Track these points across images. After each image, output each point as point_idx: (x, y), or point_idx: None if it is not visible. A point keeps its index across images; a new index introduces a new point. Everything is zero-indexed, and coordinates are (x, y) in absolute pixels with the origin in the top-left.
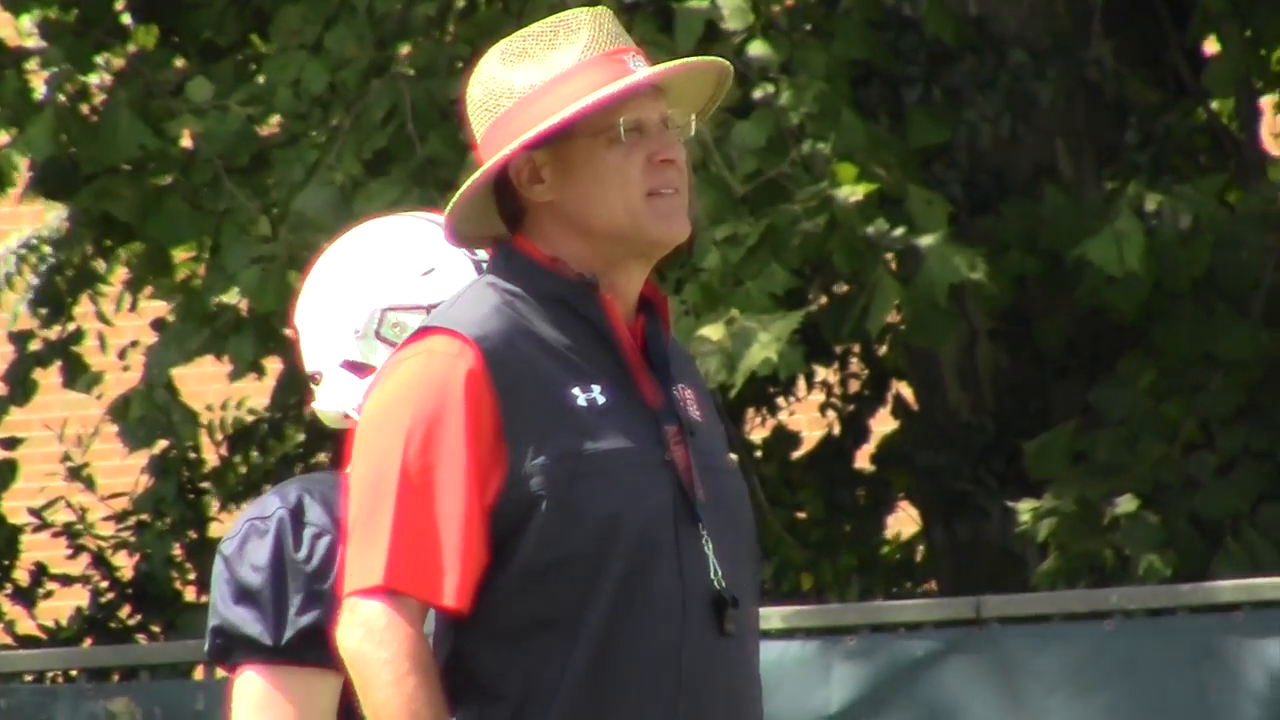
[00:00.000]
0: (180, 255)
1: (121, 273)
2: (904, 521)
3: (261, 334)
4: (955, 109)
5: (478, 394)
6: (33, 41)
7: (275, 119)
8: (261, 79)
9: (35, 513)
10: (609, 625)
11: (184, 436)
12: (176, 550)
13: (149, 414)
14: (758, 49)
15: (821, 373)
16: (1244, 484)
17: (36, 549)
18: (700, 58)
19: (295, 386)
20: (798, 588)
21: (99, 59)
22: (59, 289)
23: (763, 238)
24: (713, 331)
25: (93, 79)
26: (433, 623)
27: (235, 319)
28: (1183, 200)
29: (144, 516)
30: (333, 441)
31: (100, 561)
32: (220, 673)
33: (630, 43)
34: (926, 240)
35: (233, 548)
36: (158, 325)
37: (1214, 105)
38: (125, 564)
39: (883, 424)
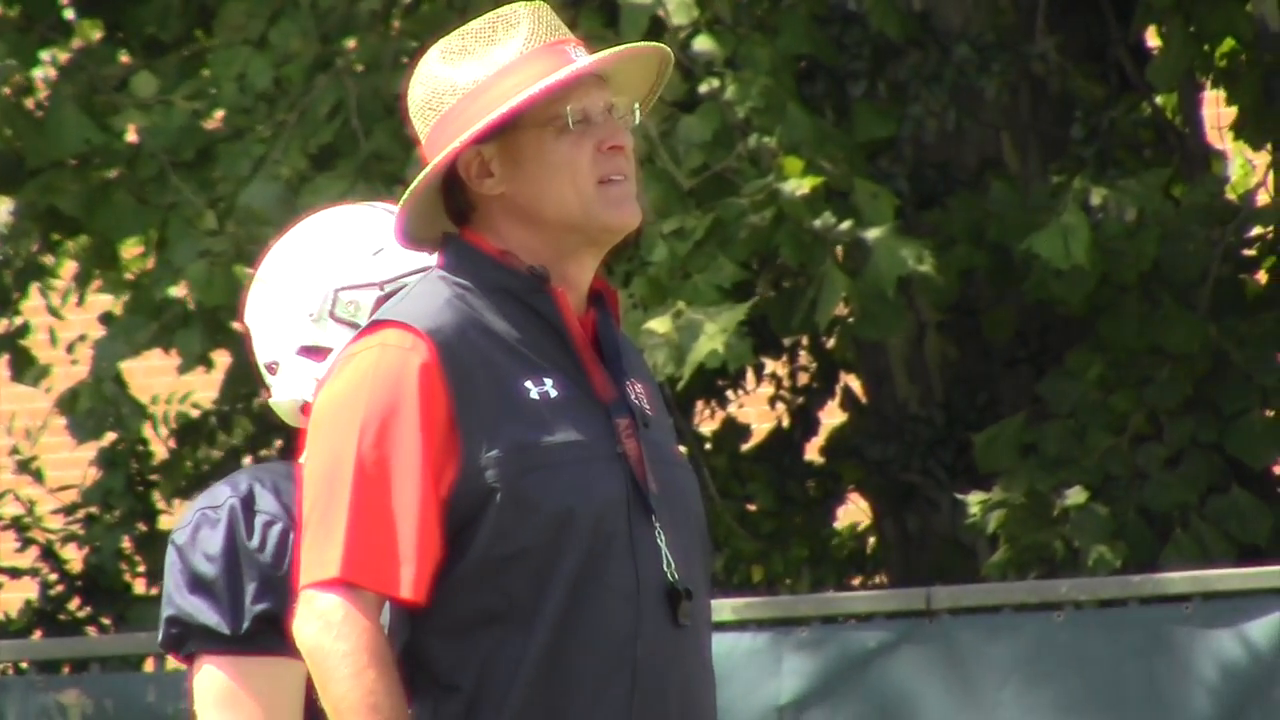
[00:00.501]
0: (129, 251)
1: (70, 266)
2: (854, 513)
3: (209, 327)
4: (900, 103)
5: (431, 387)
6: None
7: (220, 114)
8: (206, 74)
9: None
10: (563, 617)
11: (132, 429)
12: (126, 542)
13: (97, 406)
14: (703, 44)
15: (770, 365)
16: (1192, 475)
17: None
18: (641, 43)
19: (244, 379)
20: (749, 580)
21: (44, 54)
22: (5, 282)
23: (710, 231)
24: (660, 324)
25: (37, 73)
26: (387, 614)
27: (183, 312)
28: (1128, 194)
29: (93, 509)
30: (281, 434)
31: (49, 554)
32: (171, 664)
33: (569, 34)
34: (873, 233)
35: (185, 537)
36: (105, 319)
37: (1158, 99)
38: (74, 556)
39: (832, 416)
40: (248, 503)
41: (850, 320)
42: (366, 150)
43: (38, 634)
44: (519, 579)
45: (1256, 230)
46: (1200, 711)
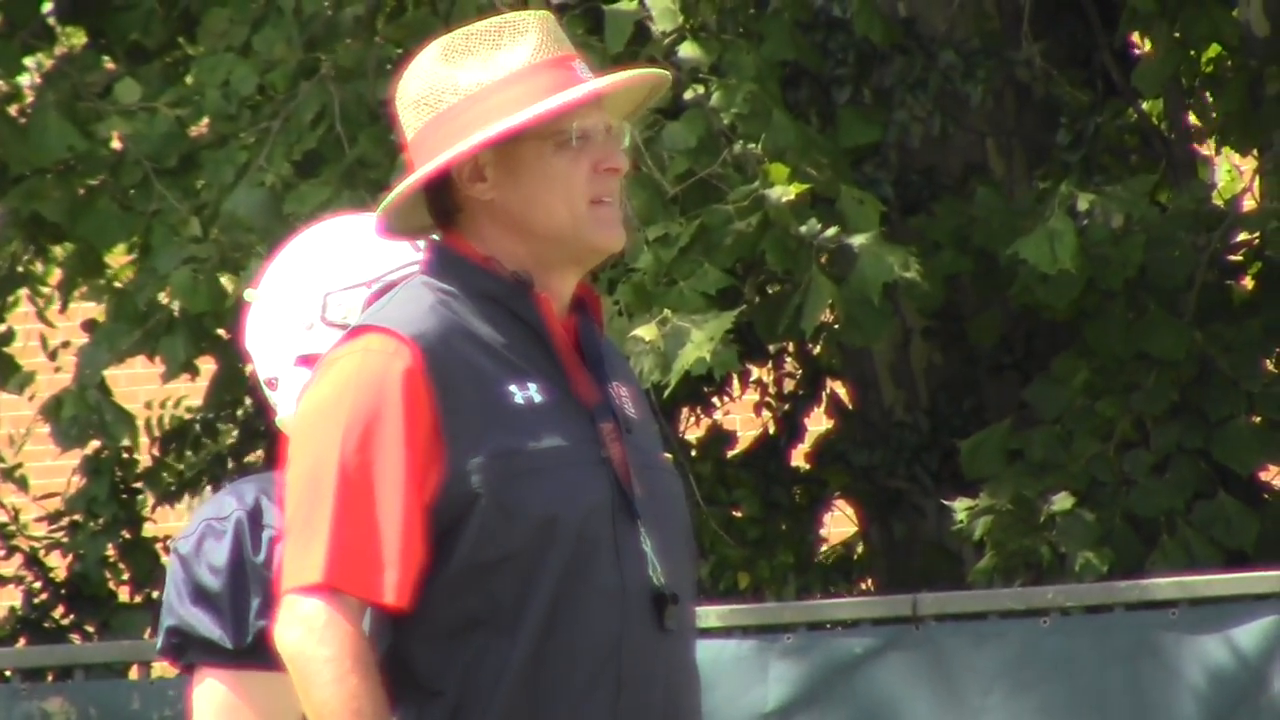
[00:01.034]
0: (118, 259)
1: (55, 274)
2: (840, 520)
3: (193, 334)
4: (885, 109)
5: (415, 392)
6: None
7: (204, 120)
8: (190, 81)
9: None
10: (548, 623)
11: (116, 436)
12: (110, 550)
13: (81, 414)
14: (688, 50)
15: (756, 372)
16: (1179, 481)
17: None
18: (649, 70)
19: (228, 386)
20: (735, 586)
21: (28, 61)
22: None
23: (695, 238)
24: (646, 331)
25: (22, 80)
26: (369, 620)
27: (167, 319)
28: (1114, 200)
29: (77, 516)
30: (266, 440)
31: (34, 562)
32: (156, 671)
33: (573, 50)
34: (859, 239)
35: (189, 547)
36: (89, 326)
37: (1144, 105)
38: (59, 564)
39: (818, 423)
40: (255, 516)
41: (836, 326)
42: (351, 157)
43: (22, 641)
44: (503, 584)
45: (1242, 236)
46: (1187, 717)
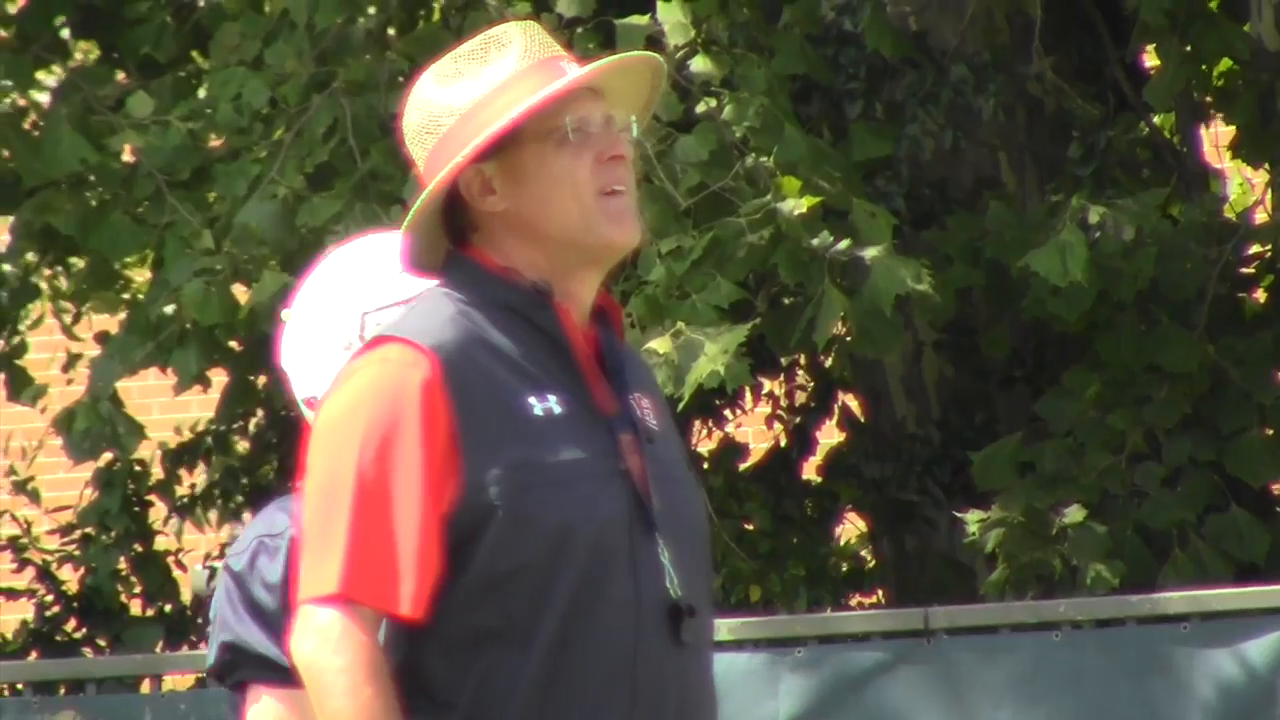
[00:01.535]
0: (137, 272)
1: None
2: (852, 533)
3: (205, 347)
4: (897, 123)
5: (433, 403)
6: None
7: (217, 134)
8: (202, 94)
9: None
10: (563, 635)
11: (129, 448)
12: (122, 563)
13: (94, 426)
14: (699, 64)
15: (768, 384)
16: (1190, 494)
17: None
18: (634, 53)
19: (240, 399)
20: (746, 599)
21: (41, 74)
22: (1, 302)
23: (707, 250)
24: (660, 344)
25: (34, 94)
26: (384, 630)
27: (179, 332)
28: (1125, 213)
29: (89, 529)
30: (278, 453)
31: (46, 575)
32: (168, 685)
33: (562, 50)
34: (871, 252)
35: (242, 564)
36: (102, 338)
37: (1155, 119)
38: (71, 577)
39: (829, 435)
40: None
41: (848, 339)
42: (363, 170)
43: (34, 655)
44: (518, 596)
45: (1254, 249)
46: None
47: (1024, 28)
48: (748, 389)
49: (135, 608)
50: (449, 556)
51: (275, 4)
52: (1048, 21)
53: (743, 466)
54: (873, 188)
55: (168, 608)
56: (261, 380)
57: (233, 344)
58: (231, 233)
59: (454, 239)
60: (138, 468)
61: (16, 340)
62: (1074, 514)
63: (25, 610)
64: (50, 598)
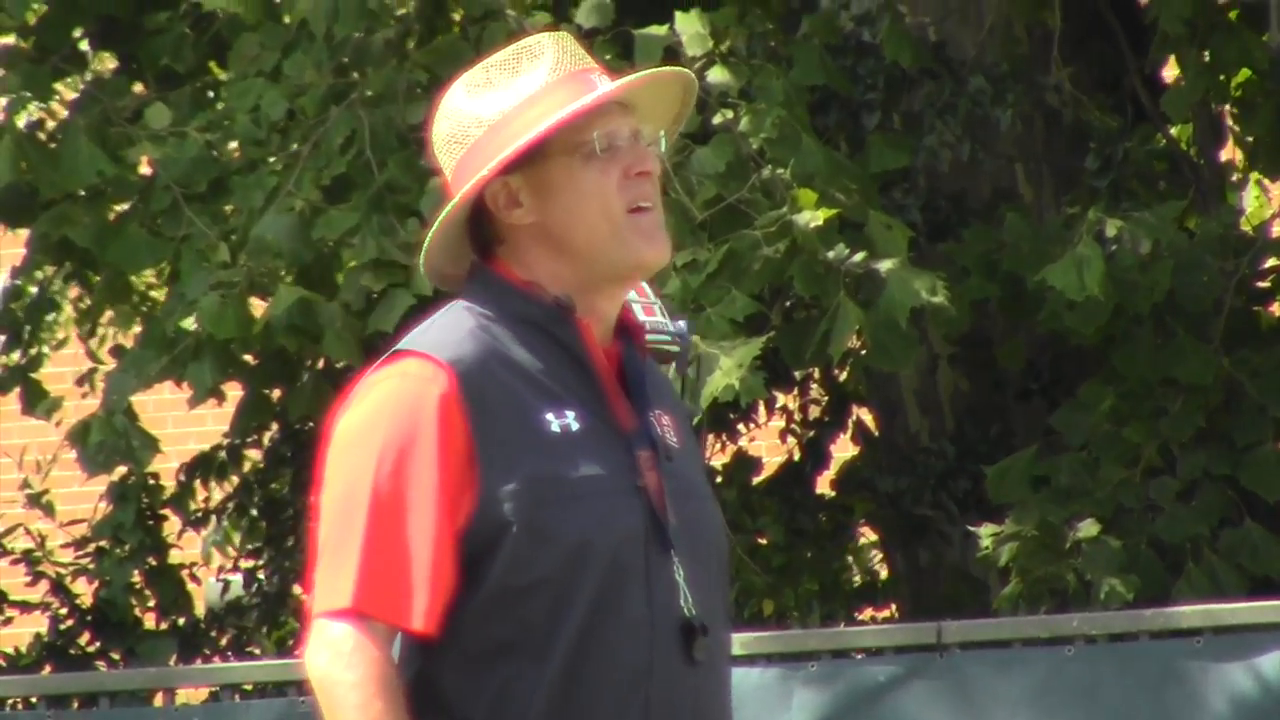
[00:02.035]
0: (145, 283)
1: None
2: (865, 547)
3: (220, 360)
4: (914, 134)
5: (450, 417)
6: None
7: (234, 145)
8: (220, 105)
9: None
10: (577, 650)
11: (143, 462)
12: (136, 577)
13: (108, 439)
14: (716, 75)
15: (781, 398)
16: (1205, 508)
17: None
18: (665, 68)
19: (255, 413)
20: (759, 613)
21: (59, 85)
22: (16, 315)
23: (723, 263)
24: None
25: (52, 105)
26: (400, 644)
27: (194, 345)
28: (1142, 225)
29: (103, 543)
30: (294, 465)
31: (60, 588)
32: (181, 698)
33: (593, 62)
34: (887, 265)
35: None
36: (116, 351)
37: (1173, 130)
38: (85, 590)
39: (843, 449)
40: None
41: (863, 352)
42: (380, 181)
43: (48, 668)
44: (533, 611)
45: (1271, 262)
46: None
47: (1043, 38)
48: (761, 402)
49: (149, 621)
50: (465, 571)
51: (294, 15)
52: (1067, 32)
53: (756, 480)
54: (889, 199)
55: (181, 621)
56: (276, 394)
57: (248, 358)
58: (248, 246)
59: (479, 250)
60: (152, 481)
61: (33, 353)
62: (1088, 528)
63: (39, 623)
64: (64, 611)
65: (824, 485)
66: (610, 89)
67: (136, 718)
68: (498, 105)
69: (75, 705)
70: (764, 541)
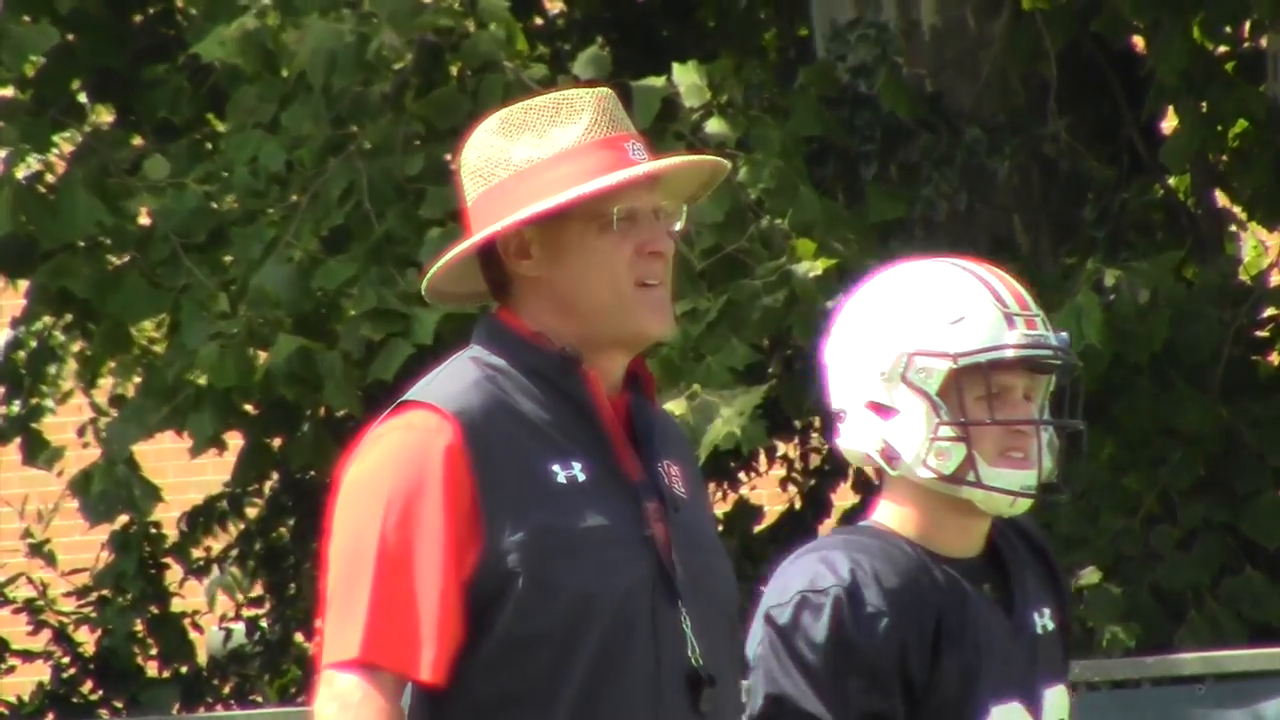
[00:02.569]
0: (146, 334)
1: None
2: None
3: (221, 410)
4: (912, 184)
5: (455, 469)
6: None
7: (232, 196)
8: (218, 157)
9: None
10: (582, 701)
11: (145, 511)
12: (138, 625)
13: (109, 489)
14: (715, 126)
15: (782, 447)
16: (1205, 556)
17: None
18: (700, 157)
19: (256, 462)
20: None
21: (57, 137)
22: (17, 366)
23: (722, 312)
24: (675, 406)
25: (50, 156)
26: (410, 695)
27: (195, 395)
28: (1140, 275)
29: (105, 592)
30: (294, 514)
31: (62, 637)
32: None
33: (631, 128)
34: None
35: (786, 619)
36: (117, 401)
37: (1170, 181)
38: (87, 639)
39: (844, 498)
40: (853, 594)
41: None
42: (379, 233)
43: (50, 717)
44: (539, 662)
45: (1269, 311)
46: None
47: (1040, 89)
48: (762, 451)
49: (151, 669)
50: (471, 622)
51: (292, 67)
52: (1063, 83)
53: (757, 529)
54: (887, 249)
55: (184, 669)
56: (277, 443)
57: (248, 407)
58: (247, 296)
59: (492, 289)
60: (154, 530)
61: (34, 404)
62: (1089, 575)
63: (42, 672)
64: (67, 660)
65: (825, 533)
66: (638, 172)
67: None
68: (528, 153)
69: None
70: (764, 589)
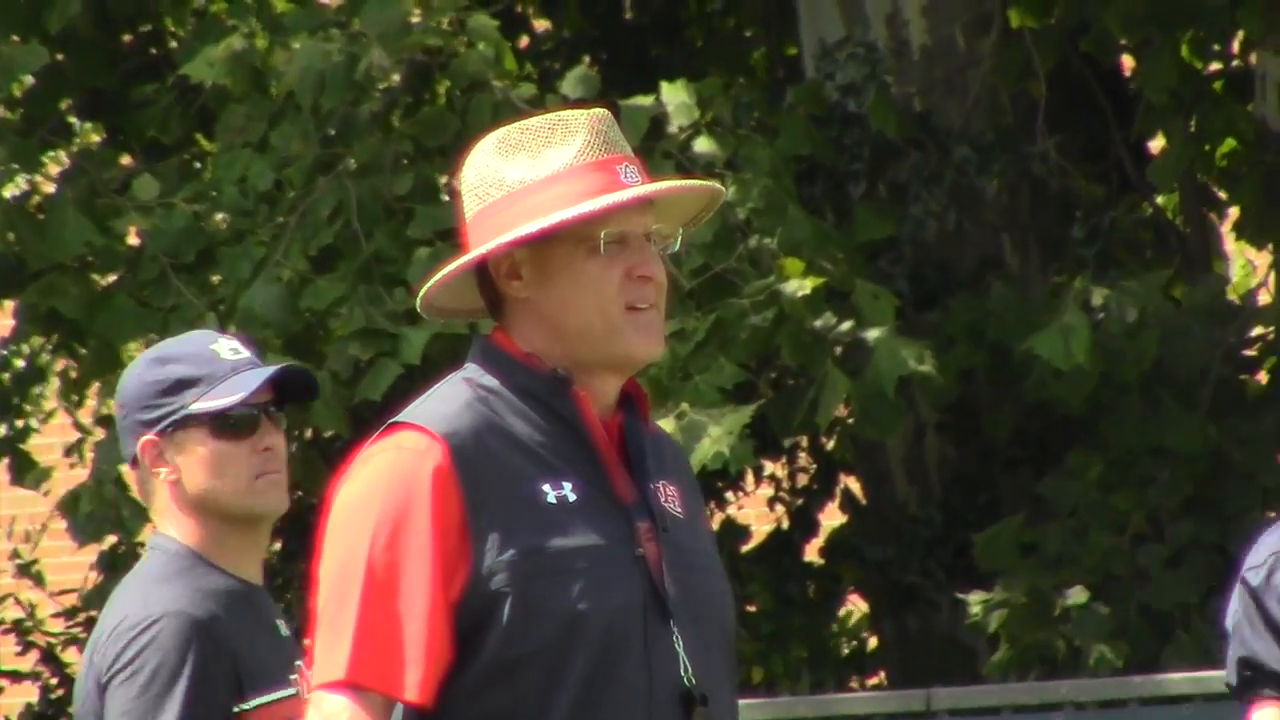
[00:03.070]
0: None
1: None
2: (854, 614)
3: None
4: (900, 203)
5: (444, 490)
6: None
7: (221, 216)
8: (207, 176)
9: None
10: None
11: (133, 531)
12: None
13: (98, 509)
14: (703, 145)
15: (770, 466)
16: (1193, 576)
17: None
18: (693, 181)
19: None
20: (748, 680)
21: (46, 157)
22: (4, 385)
23: (711, 332)
24: (664, 425)
25: (40, 177)
26: (399, 716)
27: None
28: (1128, 294)
29: (94, 612)
30: (283, 534)
31: (50, 658)
32: None
33: (627, 150)
34: (874, 333)
35: (1259, 579)
36: (105, 421)
37: (1159, 200)
38: (76, 660)
39: (831, 517)
40: None
41: (850, 421)
42: (367, 252)
43: None
44: (528, 683)
45: (1257, 330)
46: None
47: (1028, 109)
48: (750, 470)
49: None
50: (460, 643)
51: (280, 87)
52: (1052, 102)
53: (745, 548)
54: (876, 269)
55: None
56: None
57: None
58: (236, 315)
59: (489, 307)
60: (142, 551)
61: (20, 425)
62: (1077, 595)
63: (30, 693)
64: (55, 681)
65: (812, 553)
66: (623, 197)
67: None
68: (520, 173)
69: None
70: (753, 609)
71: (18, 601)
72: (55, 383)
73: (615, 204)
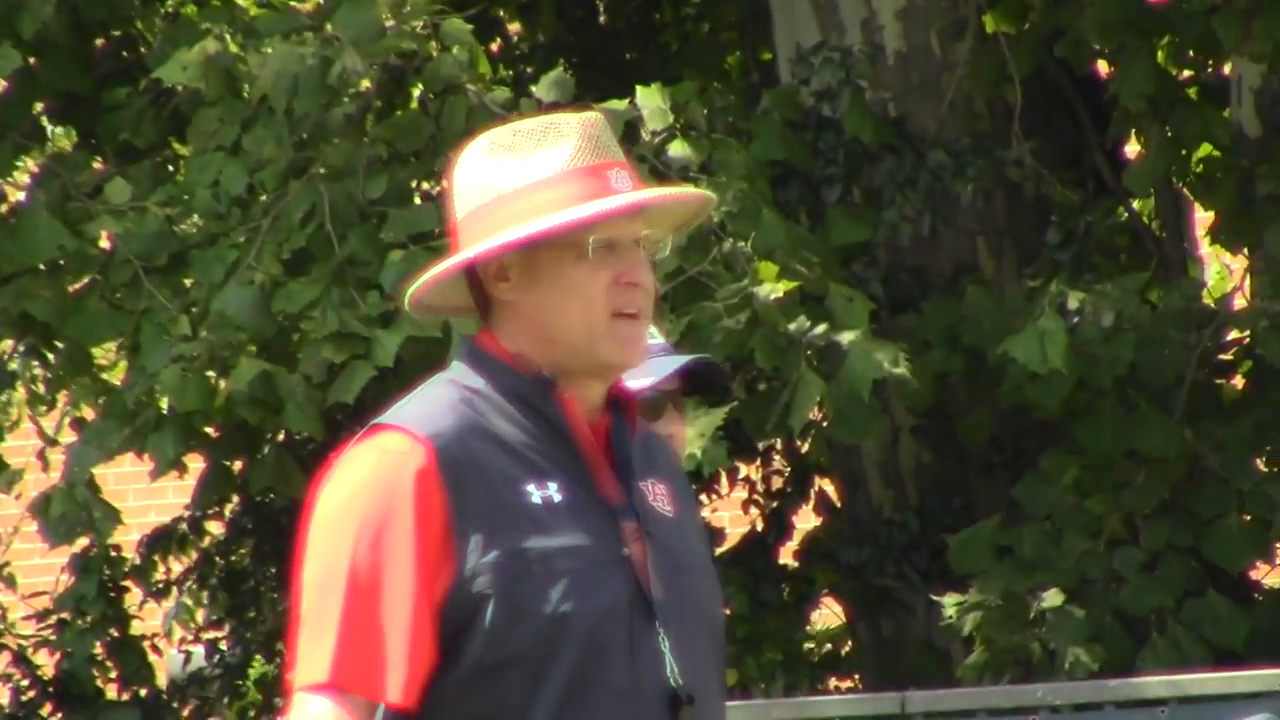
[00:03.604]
0: (109, 357)
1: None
2: (829, 618)
3: (182, 432)
4: (875, 208)
5: (427, 492)
6: None
7: (194, 219)
8: (180, 180)
9: None
10: None
11: (105, 533)
12: (98, 648)
13: (70, 511)
14: (677, 149)
15: (744, 469)
16: (1168, 579)
17: None
18: (684, 189)
19: (217, 485)
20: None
21: (19, 161)
22: None
23: (684, 335)
24: None
25: (11, 180)
26: (382, 717)
27: (155, 418)
28: (1104, 298)
29: (65, 615)
30: (255, 536)
31: (22, 660)
32: None
33: (619, 155)
34: (848, 337)
35: None
36: (78, 424)
37: (1135, 204)
38: (47, 662)
39: (805, 520)
40: None
41: (824, 424)
42: (341, 255)
43: None
44: (512, 685)
45: (1233, 334)
46: None
47: (1004, 113)
48: (724, 473)
49: (111, 692)
50: (444, 644)
51: (254, 90)
52: (1028, 107)
53: (719, 551)
54: (850, 273)
55: (144, 692)
56: (238, 466)
57: (209, 430)
58: (208, 319)
59: (479, 307)
60: (114, 553)
61: None
62: (1052, 598)
63: (1, 695)
64: (26, 683)
65: (787, 556)
66: (610, 206)
67: None
68: (510, 178)
69: None
70: (727, 612)
71: None
72: (21, 390)
73: (604, 212)
